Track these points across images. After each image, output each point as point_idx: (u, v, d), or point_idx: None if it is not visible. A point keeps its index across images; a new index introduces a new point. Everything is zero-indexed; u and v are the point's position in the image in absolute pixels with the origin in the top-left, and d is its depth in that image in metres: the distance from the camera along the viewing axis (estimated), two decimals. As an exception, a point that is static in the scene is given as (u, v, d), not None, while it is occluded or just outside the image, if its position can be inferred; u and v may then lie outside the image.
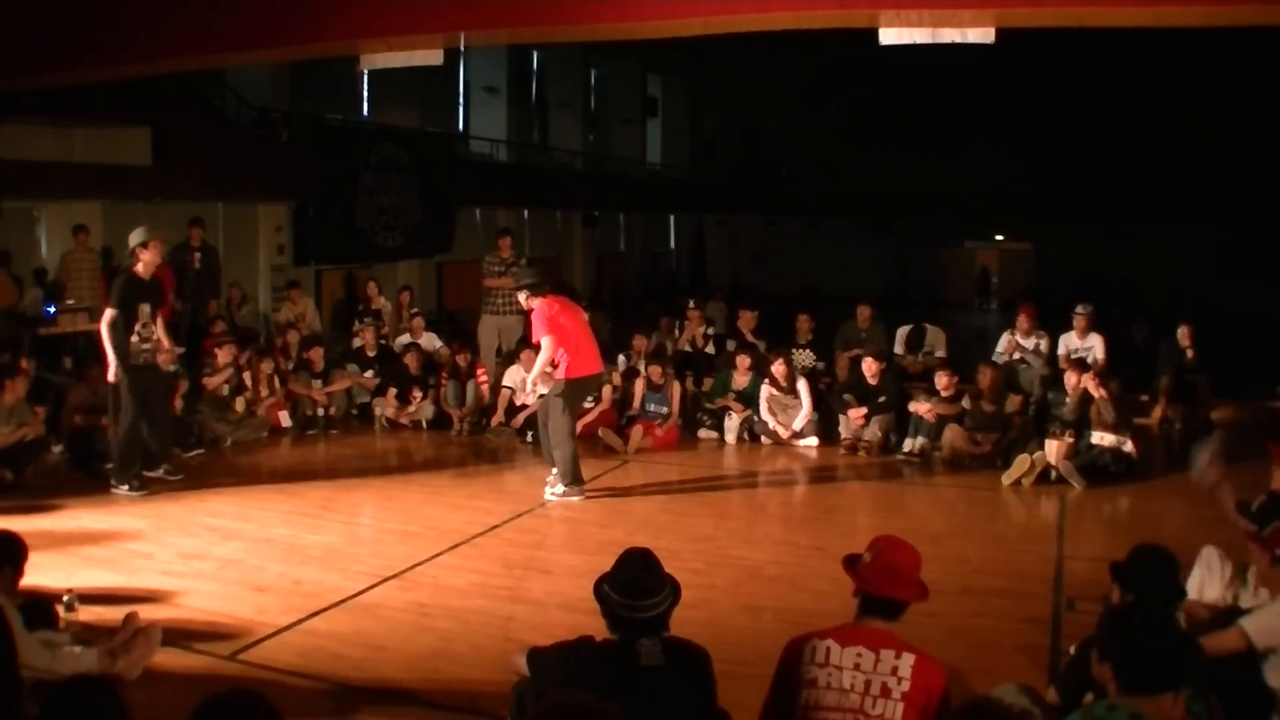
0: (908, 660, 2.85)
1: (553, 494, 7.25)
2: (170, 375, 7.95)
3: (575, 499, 7.22)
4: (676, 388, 9.42)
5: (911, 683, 2.82)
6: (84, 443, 8.12)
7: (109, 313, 7.20)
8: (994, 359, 9.44)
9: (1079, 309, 9.79)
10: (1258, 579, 4.01)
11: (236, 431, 9.03)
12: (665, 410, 9.27)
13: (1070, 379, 8.26)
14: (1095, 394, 7.95)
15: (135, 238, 7.37)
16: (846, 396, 9.02)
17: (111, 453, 7.41)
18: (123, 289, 7.23)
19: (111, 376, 7.29)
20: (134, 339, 7.21)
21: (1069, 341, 9.67)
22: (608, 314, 14.54)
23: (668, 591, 3.08)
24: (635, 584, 3.04)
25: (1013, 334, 9.86)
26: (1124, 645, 2.64)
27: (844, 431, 8.98)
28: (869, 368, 8.99)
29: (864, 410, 8.84)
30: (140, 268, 7.33)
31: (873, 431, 8.87)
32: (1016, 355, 9.69)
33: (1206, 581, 4.32)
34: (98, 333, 7.37)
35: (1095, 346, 9.57)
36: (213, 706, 2.34)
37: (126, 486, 7.22)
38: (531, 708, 2.38)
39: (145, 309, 7.29)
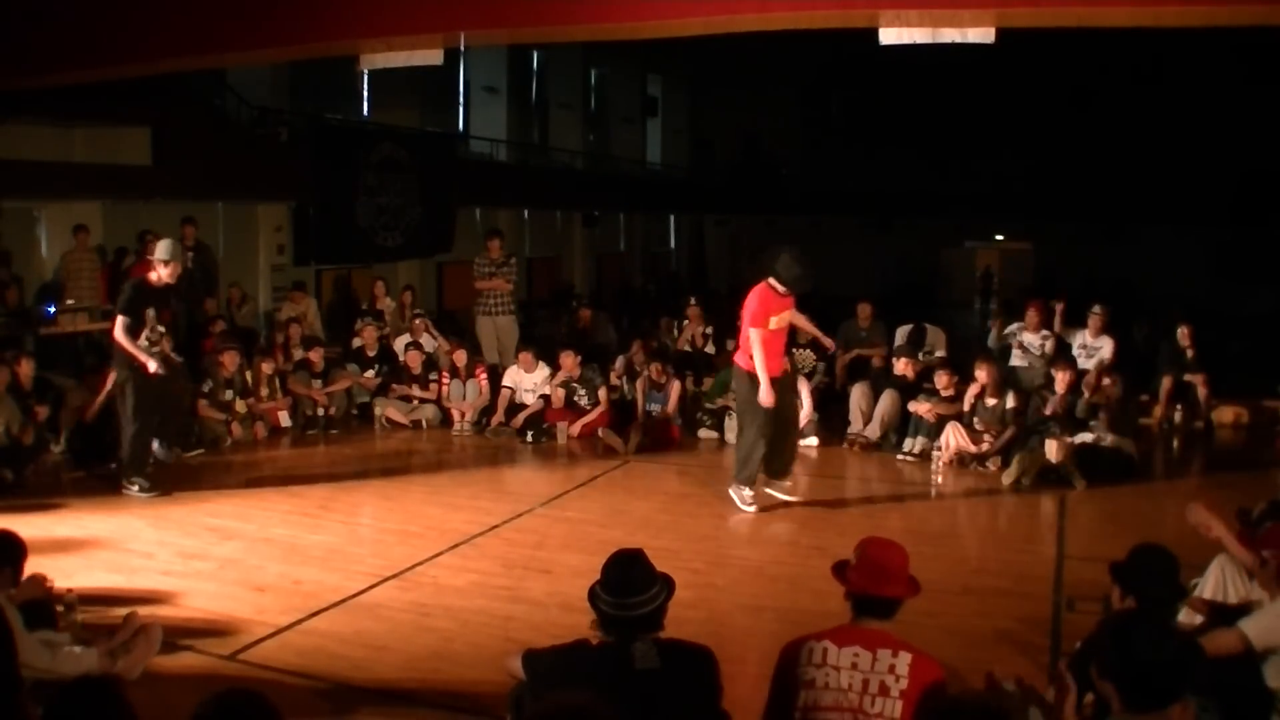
0: (905, 658, 2.86)
1: (738, 501, 6.93)
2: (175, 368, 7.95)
3: (747, 498, 6.88)
4: (676, 386, 9.43)
5: (909, 680, 2.82)
6: (88, 438, 8.13)
7: (120, 319, 7.20)
8: (987, 352, 9.48)
9: (1095, 309, 9.84)
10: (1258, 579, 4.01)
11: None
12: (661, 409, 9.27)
13: (1062, 376, 8.30)
14: (1090, 394, 7.97)
15: (161, 251, 7.38)
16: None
17: (120, 450, 7.41)
18: (132, 295, 7.25)
19: (116, 377, 7.34)
20: (142, 342, 7.22)
21: (1083, 338, 9.73)
22: (610, 314, 14.53)
23: (659, 588, 3.06)
24: (624, 582, 3.03)
25: (1017, 332, 9.89)
26: (1125, 661, 2.53)
27: (855, 423, 9.05)
28: (904, 367, 9.06)
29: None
30: (154, 276, 7.35)
31: (873, 430, 8.89)
32: (1018, 353, 9.71)
33: (1219, 587, 4.28)
34: (111, 339, 7.36)
35: (1105, 348, 9.61)
36: (212, 706, 2.33)
37: (136, 487, 7.21)
38: (532, 707, 2.37)
39: (151, 314, 7.30)
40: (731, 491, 7.03)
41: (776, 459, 7.05)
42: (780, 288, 6.81)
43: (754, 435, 6.85)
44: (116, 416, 7.58)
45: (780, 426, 6.96)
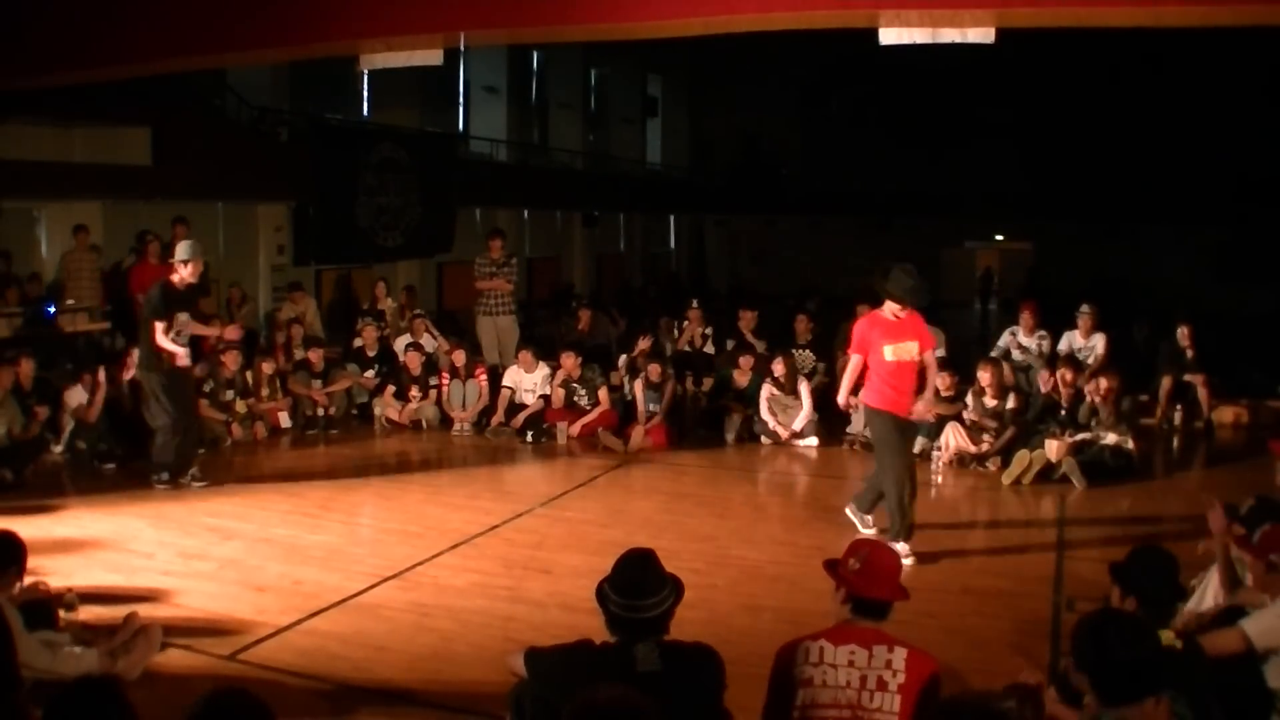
0: (900, 653, 2.89)
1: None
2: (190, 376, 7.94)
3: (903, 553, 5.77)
4: (672, 386, 9.43)
5: (906, 674, 2.85)
6: (89, 438, 8.12)
7: (157, 325, 7.21)
8: (992, 355, 9.47)
9: (1083, 308, 9.80)
10: (1254, 584, 4.00)
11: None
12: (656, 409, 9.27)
13: (1065, 376, 8.28)
14: (1091, 396, 7.96)
15: (181, 252, 7.40)
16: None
17: (152, 450, 7.45)
18: (162, 298, 7.26)
19: (140, 370, 7.48)
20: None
21: (1073, 340, 9.71)
22: (608, 313, 14.51)
23: (668, 591, 3.07)
24: (634, 584, 3.03)
25: (1014, 333, 9.90)
26: (1099, 657, 2.59)
27: (855, 424, 8.99)
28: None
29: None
30: (177, 279, 7.38)
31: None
32: (1018, 354, 9.71)
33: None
34: (153, 344, 7.30)
35: (1098, 346, 9.60)
36: (203, 706, 2.32)
37: (166, 474, 7.34)
38: (570, 704, 2.34)
39: (182, 317, 7.33)
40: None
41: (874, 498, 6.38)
42: (895, 311, 6.11)
43: (889, 479, 6.07)
44: (121, 413, 7.56)
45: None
